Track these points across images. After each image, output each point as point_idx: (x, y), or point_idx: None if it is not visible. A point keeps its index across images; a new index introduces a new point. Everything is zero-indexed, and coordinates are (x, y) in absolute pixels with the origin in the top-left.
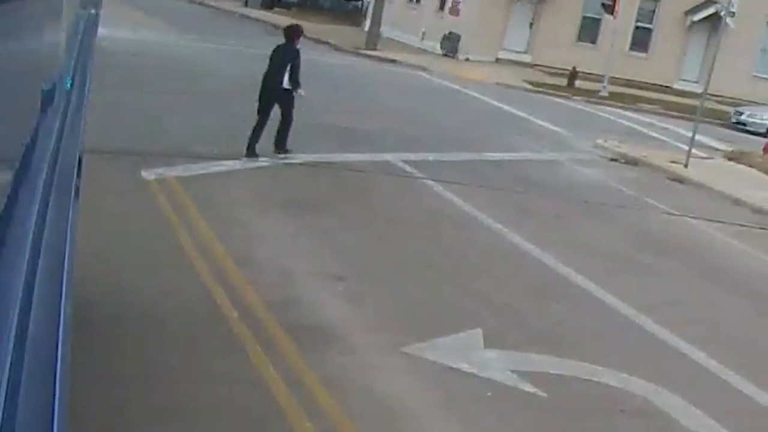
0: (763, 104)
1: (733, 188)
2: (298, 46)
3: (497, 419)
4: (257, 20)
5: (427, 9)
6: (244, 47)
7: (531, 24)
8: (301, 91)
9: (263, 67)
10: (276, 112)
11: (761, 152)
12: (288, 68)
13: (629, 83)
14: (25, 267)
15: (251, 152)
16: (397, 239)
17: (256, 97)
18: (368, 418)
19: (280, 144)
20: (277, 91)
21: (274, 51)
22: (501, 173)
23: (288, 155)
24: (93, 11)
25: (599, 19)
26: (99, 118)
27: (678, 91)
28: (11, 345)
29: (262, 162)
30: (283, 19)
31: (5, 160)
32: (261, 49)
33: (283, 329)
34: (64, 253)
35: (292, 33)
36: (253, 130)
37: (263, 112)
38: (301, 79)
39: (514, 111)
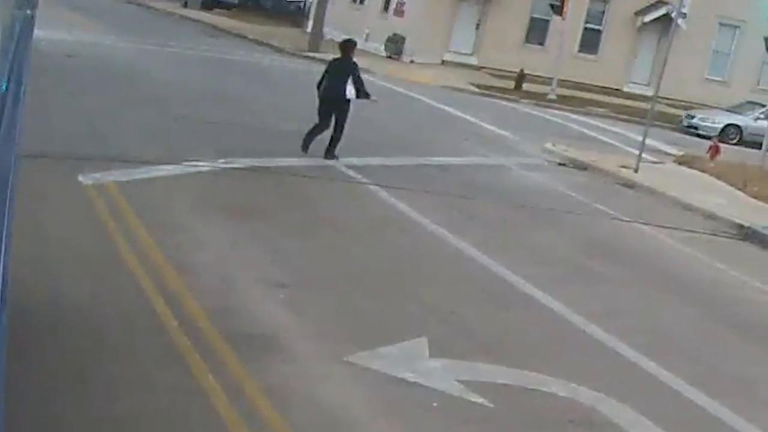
0: (716, 107)
1: (684, 193)
2: (354, 59)
3: (443, 430)
4: (197, 21)
5: (371, 10)
6: (184, 49)
7: (477, 25)
8: (374, 98)
9: (203, 69)
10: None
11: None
12: (349, 80)
13: (578, 86)
14: None
15: (305, 148)
16: (340, 246)
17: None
18: (311, 428)
19: (331, 151)
20: (339, 101)
21: (330, 64)
22: (447, 178)
23: (336, 161)
24: (28, 12)
25: (547, 21)
26: (35, 122)
27: (628, 94)
28: None
29: (203, 166)
30: (223, 20)
31: None
32: (201, 51)
33: (224, 338)
34: None
35: (348, 47)
36: (311, 131)
37: (324, 119)
38: (242, 81)
39: (460, 114)
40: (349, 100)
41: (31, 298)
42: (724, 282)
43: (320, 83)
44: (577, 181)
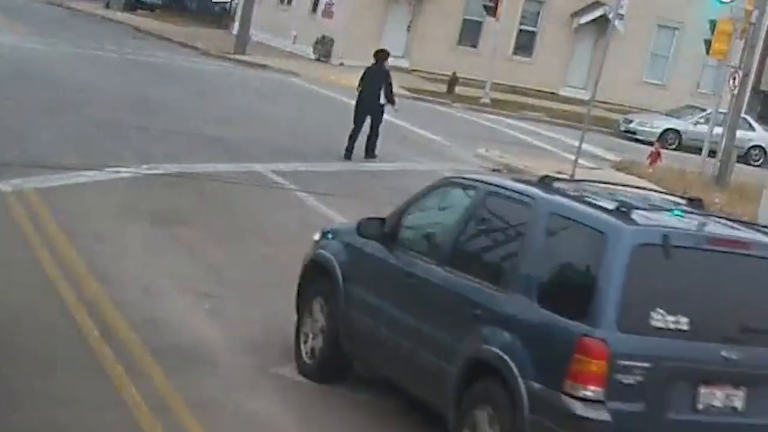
0: (654, 111)
1: None
2: (387, 68)
3: None
4: (120, 23)
5: (299, 11)
6: (106, 51)
7: (409, 27)
8: (396, 107)
9: (126, 72)
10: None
11: (648, 162)
12: (383, 87)
13: (513, 89)
14: None
15: (348, 156)
16: (267, 254)
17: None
18: None
19: (370, 150)
20: (374, 106)
21: (366, 72)
22: (378, 185)
23: (375, 159)
24: None
25: (481, 22)
26: None
27: (564, 98)
28: None
29: (125, 172)
30: (146, 21)
31: None
32: (123, 53)
33: (148, 349)
34: None
35: (382, 56)
36: (351, 137)
37: (359, 123)
38: (165, 84)
39: (390, 119)
40: (383, 105)
41: None
42: None
43: (359, 88)
44: None
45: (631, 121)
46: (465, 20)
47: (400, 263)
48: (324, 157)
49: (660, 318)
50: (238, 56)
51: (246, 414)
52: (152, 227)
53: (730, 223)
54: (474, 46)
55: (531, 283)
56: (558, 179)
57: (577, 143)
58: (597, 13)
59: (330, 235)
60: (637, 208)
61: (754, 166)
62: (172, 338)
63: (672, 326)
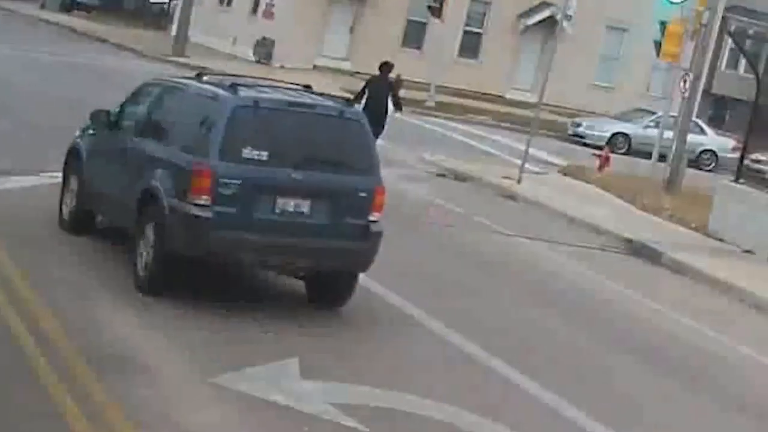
0: (603, 115)
1: (570, 206)
2: (390, 78)
3: None
4: (56, 24)
5: (239, 12)
6: (41, 53)
7: (351, 28)
8: (399, 113)
9: (61, 75)
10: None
11: (596, 167)
12: (389, 98)
13: (458, 92)
14: None
15: None
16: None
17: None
18: None
19: None
20: (381, 116)
21: (370, 82)
22: None
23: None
24: None
25: (425, 23)
26: None
27: (511, 101)
28: None
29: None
30: (83, 23)
31: None
32: (59, 55)
33: (84, 357)
34: None
35: (386, 68)
36: None
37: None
38: (102, 87)
39: None
40: (388, 114)
41: None
42: (612, 299)
43: (359, 97)
44: (457, 192)
45: (579, 125)
46: (409, 21)
47: (116, 140)
48: None
49: (248, 152)
50: (176, 58)
51: (184, 426)
52: (89, 232)
53: (309, 94)
54: (418, 48)
55: (178, 137)
56: (210, 74)
57: (523, 147)
58: (544, 14)
59: (84, 130)
60: (245, 86)
61: (705, 170)
62: (109, 346)
63: (257, 157)
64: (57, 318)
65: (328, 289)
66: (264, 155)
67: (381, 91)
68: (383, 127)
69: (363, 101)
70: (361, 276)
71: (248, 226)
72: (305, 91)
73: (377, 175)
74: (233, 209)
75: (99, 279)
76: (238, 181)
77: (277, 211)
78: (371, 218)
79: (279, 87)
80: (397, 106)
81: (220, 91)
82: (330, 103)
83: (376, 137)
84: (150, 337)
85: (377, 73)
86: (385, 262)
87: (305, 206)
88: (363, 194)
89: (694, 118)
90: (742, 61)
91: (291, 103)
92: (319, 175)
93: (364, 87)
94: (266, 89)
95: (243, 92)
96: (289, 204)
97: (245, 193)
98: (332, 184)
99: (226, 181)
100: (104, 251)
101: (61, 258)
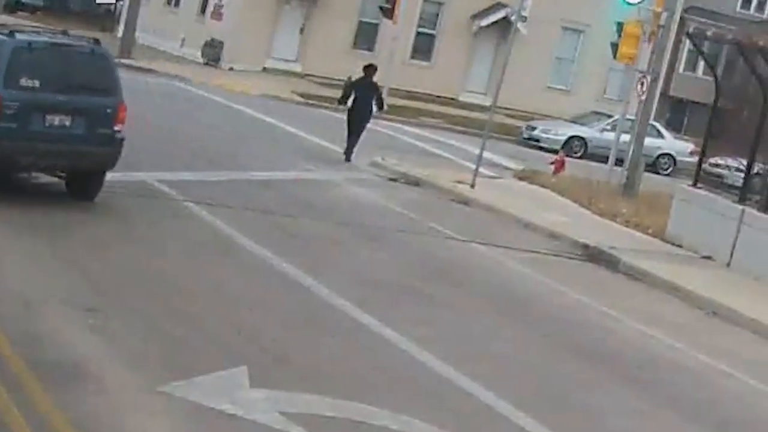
0: (559, 118)
1: (525, 211)
2: (375, 80)
3: None
4: (2, 25)
5: (187, 13)
6: None
7: (302, 30)
8: (380, 111)
9: None
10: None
11: (552, 171)
12: (374, 98)
13: (411, 95)
14: None
15: (348, 159)
16: (153, 267)
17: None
18: None
19: (349, 154)
20: (366, 117)
21: (355, 85)
22: (269, 194)
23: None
24: None
25: (377, 25)
26: None
27: (464, 104)
28: None
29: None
30: (27, 24)
31: None
32: None
33: (29, 367)
34: None
35: (370, 70)
36: (349, 144)
37: (354, 130)
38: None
39: (283, 126)
40: (372, 114)
41: None
42: (568, 306)
43: (344, 98)
44: (410, 197)
45: (534, 128)
46: (361, 23)
47: None
48: (212, 165)
49: (24, 81)
50: (123, 60)
51: None
52: (31, 237)
53: (68, 37)
54: (370, 49)
55: None
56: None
57: (477, 151)
58: (499, 16)
59: None
60: (21, 32)
61: (663, 175)
62: (54, 354)
63: (31, 85)
64: (1, 326)
65: (83, 186)
66: (36, 83)
67: (366, 92)
68: (366, 124)
69: (350, 101)
70: (314, 282)
71: (25, 137)
72: (65, 35)
73: (120, 95)
74: (14, 125)
75: (43, 286)
76: (17, 104)
77: (47, 125)
78: (116, 128)
79: (46, 32)
80: (380, 105)
81: (2, 37)
82: (83, 42)
83: (361, 132)
84: (97, 345)
85: (362, 75)
86: (338, 268)
87: (67, 121)
88: (109, 110)
89: (651, 122)
90: (701, 63)
91: (55, 44)
92: (77, 97)
93: (351, 88)
94: (37, 35)
95: (19, 36)
96: (56, 119)
97: (23, 112)
98: (87, 103)
99: (8, 103)
100: (47, 259)
101: (2, 264)
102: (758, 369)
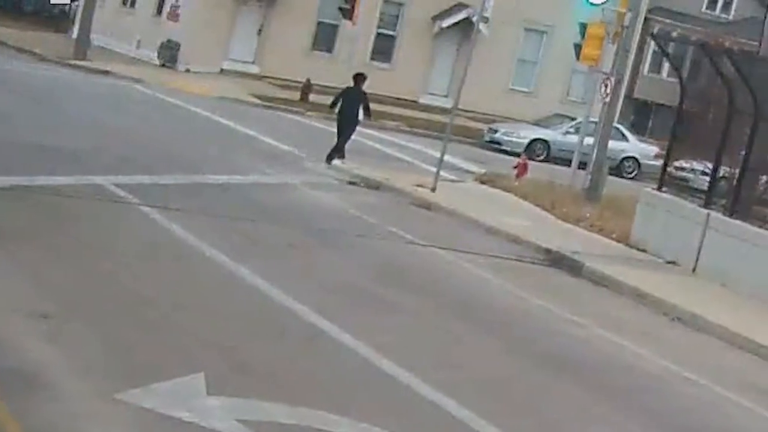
0: (521, 121)
1: (486, 215)
2: (364, 88)
3: None
4: None
5: (143, 14)
6: None
7: (259, 31)
8: (367, 119)
9: None
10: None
11: (514, 174)
12: (361, 105)
13: (370, 97)
14: None
15: (330, 161)
16: (108, 273)
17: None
18: None
19: (332, 155)
20: (353, 121)
21: (345, 92)
22: (226, 198)
23: (330, 165)
24: None
25: (336, 26)
26: None
27: (425, 106)
28: None
29: None
30: None
31: None
32: None
33: None
34: None
35: (360, 78)
36: (336, 148)
37: (343, 136)
38: None
39: (240, 128)
40: (359, 120)
41: None
42: (531, 312)
43: (334, 104)
44: (369, 201)
45: (496, 131)
46: (319, 23)
47: None
48: (169, 168)
49: None
50: (78, 62)
51: None
52: None
53: None
54: (329, 51)
55: None
56: None
57: (438, 155)
58: (460, 16)
59: None
60: None
61: (627, 178)
62: (8, 361)
63: None
64: None
65: None
66: None
67: (353, 99)
68: (353, 129)
69: (338, 107)
70: (272, 288)
71: None
72: None
73: None
74: None
75: None
76: None
77: None
78: None
79: None
80: (366, 113)
81: None
82: None
83: (350, 136)
84: (52, 353)
85: (352, 84)
86: (297, 273)
87: None
88: None
89: (615, 124)
90: (666, 65)
91: None
92: None
93: (341, 95)
94: None
95: None
96: None
97: None
98: None
99: None
100: (3, 262)
101: None
102: (723, 376)
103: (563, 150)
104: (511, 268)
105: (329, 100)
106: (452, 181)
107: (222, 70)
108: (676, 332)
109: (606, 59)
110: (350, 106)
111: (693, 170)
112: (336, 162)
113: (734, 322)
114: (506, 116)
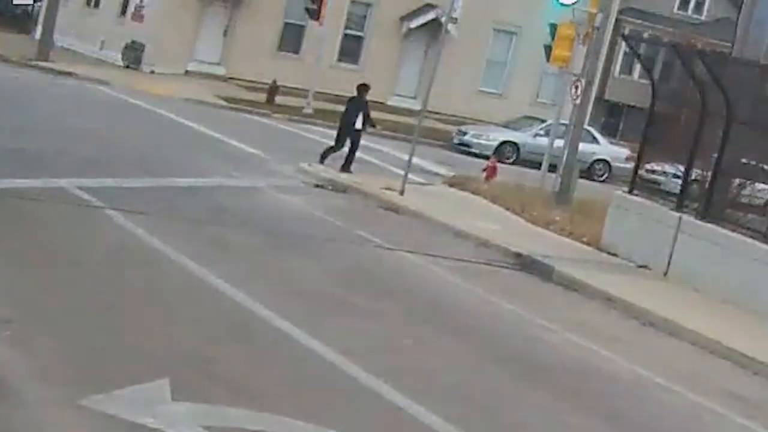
0: (490, 123)
1: (455, 218)
2: (366, 98)
3: None
4: None
5: (107, 14)
6: None
7: (225, 32)
8: (371, 128)
9: None
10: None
11: (483, 177)
12: (361, 115)
13: (338, 99)
14: None
15: (322, 161)
16: (72, 278)
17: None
18: None
19: (347, 167)
20: (352, 130)
21: (349, 101)
22: (192, 202)
23: (350, 174)
24: None
25: (303, 26)
26: None
27: (393, 108)
28: None
29: None
30: None
31: None
32: None
33: None
34: None
35: (363, 89)
36: (329, 149)
37: (339, 142)
38: None
39: (206, 131)
40: (359, 130)
41: None
42: (500, 316)
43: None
44: (337, 204)
45: (465, 134)
46: (286, 24)
47: None
48: (134, 171)
49: None
50: (41, 63)
51: None
52: None
53: None
54: (296, 52)
55: None
56: None
57: (406, 157)
58: (428, 17)
59: None
60: None
61: (598, 181)
62: None
63: None
64: None
65: None
66: None
67: (355, 109)
68: (358, 140)
69: (341, 116)
70: (238, 292)
71: None
72: None
73: None
74: None
75: None
76: None
77: None
78: None
79: None
80: (366, 122)
81: None
82: None
83: (353, 149)
84: (14, 358)
85: (355, 94)
86: (263, 278)
87: None
88: None
89: (586, 126)
90: (637, 67)
91: None
92: None
93: (346, 104)
94: None
95: None
96: None
97: None
98: None
99: None
100: None
101: None
102: (696, 381)
103: (533, 152)
104: (480, 273)
105: (297, 102)
106: (421, 184)
107: (187, 72)
108: (648, 337)
109: (576, 60)
110: (350, 115)
111: (665, 173)
112: (316, 166)
113: (706, 326)
114: (475, 118)
